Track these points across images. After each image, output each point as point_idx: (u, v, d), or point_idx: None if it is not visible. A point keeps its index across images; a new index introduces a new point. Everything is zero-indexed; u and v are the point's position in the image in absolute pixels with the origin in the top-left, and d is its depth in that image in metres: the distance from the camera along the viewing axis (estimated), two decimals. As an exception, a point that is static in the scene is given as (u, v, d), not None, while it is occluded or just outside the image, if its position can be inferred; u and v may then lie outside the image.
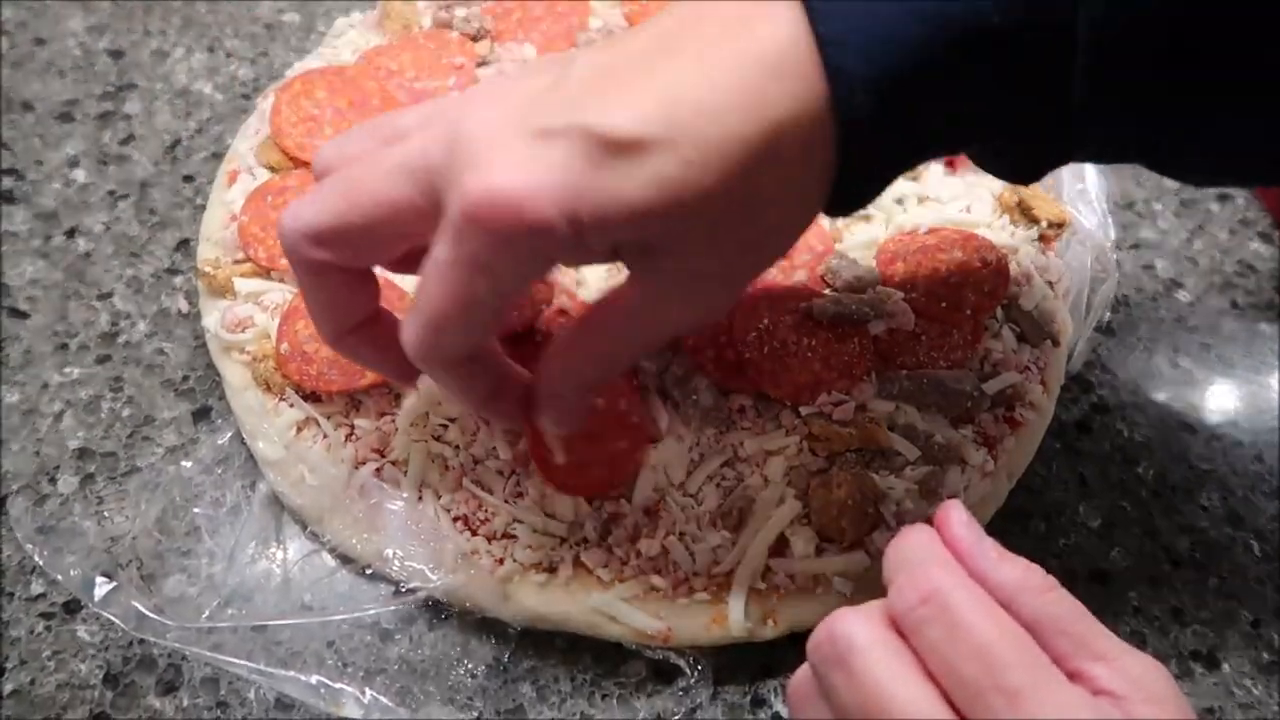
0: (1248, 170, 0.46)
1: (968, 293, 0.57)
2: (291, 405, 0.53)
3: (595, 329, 0.42)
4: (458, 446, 0.52)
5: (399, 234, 0.39)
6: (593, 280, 0.57)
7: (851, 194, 0.41)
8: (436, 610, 0.50)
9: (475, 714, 0.47)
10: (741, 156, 0.36)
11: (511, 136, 0.36)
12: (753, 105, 0.36)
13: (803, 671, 0.37)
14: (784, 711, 0.48)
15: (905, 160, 0.42)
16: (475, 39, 0.69)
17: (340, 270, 0.41)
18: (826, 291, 0.56)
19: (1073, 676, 0.33)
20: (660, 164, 0.35)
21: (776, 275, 0.57)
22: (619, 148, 0.35)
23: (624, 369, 0.51)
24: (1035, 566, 0.36)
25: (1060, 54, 0.37)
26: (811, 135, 0.37)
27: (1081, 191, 0.63)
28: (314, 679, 0.46)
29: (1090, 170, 0.64)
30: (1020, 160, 0.43)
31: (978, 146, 0.44)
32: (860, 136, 0.37)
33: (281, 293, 0.56)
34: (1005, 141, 0.42)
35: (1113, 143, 0.41)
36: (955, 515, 0.37)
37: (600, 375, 0.45)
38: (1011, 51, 0.36)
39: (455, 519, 0.50)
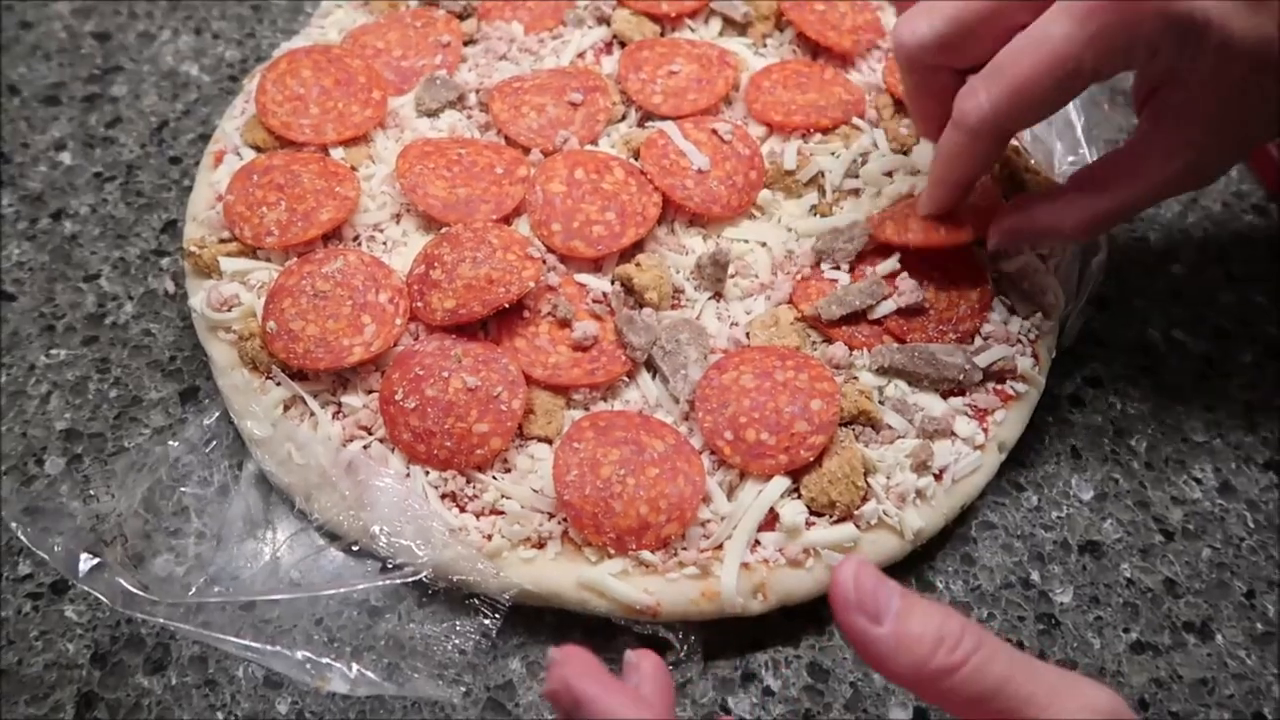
0: None
1: (974, 249, 0.57)
2: (279, 384, 0.53)
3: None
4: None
5: (1004, 27, 0.46)
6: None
7: None
8: (425, 587, 0.49)
9: (464, 690, 0.47)
10: None
11: None
12: None
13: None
14: (775, 685, 0.48)
15: None
16: (462, 17, 0.69)
17: (947, 72, 0.50)
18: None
19: None
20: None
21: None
22: None
23: None
24: (945, 624, 0.32)
25: None
26: None
27: (1073, 164, 0.63)
28: (300, 654, 0.46)
29: (1084, 143, 0.64)
30: None
31: None
32: None
33: (267, 271, 0.56)
34: None
35: None
36: (842, 576, 0.33)
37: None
38: None
39: (443, 495, 0.50)
